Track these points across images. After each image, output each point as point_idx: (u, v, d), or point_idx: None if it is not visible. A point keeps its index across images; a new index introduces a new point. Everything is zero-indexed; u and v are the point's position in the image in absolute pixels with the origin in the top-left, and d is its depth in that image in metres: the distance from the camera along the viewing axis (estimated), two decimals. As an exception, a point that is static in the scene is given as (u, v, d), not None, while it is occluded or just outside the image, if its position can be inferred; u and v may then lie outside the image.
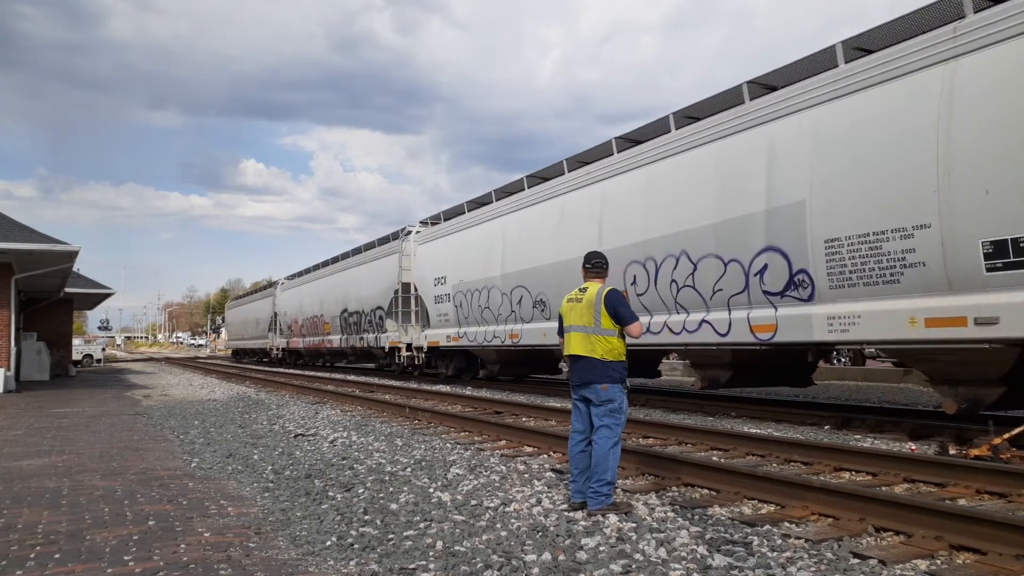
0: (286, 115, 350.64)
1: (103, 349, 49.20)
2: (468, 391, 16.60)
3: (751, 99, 10.34)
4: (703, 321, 11.01)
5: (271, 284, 40.58)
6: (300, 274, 34.78)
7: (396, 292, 22.16)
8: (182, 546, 4.54)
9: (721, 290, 10.67)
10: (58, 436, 9.87)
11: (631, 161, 12.73)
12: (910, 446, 8.08)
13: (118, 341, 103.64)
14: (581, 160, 14.46)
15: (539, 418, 11.22)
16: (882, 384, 18.52)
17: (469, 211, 18.94)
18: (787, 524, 4.90)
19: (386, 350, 23.14)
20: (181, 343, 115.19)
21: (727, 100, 10.91)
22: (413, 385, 19.06)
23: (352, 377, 23.26)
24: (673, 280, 11.50)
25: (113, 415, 12.72)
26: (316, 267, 32.34)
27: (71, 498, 5.96)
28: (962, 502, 5.52)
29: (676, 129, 11.81)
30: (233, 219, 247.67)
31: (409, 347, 21.71)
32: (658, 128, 12.34)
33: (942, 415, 10.43)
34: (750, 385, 12.38)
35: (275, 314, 37.45)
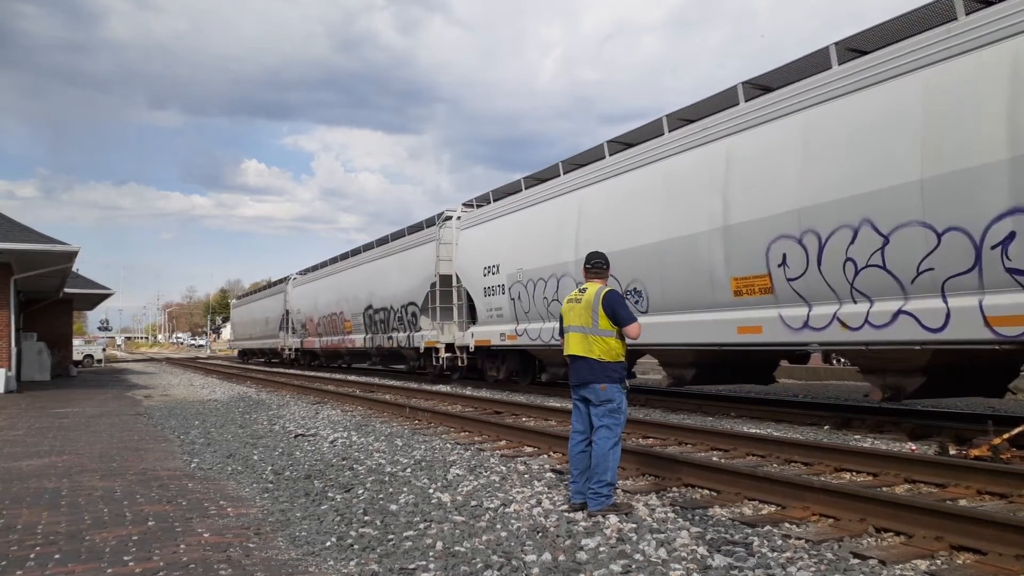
0: (287, 115, 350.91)
1: (103, 349, 49.23)
2: (468, 391, 16.61)
3: (967, 14, 8.06)
4: (900, 312, 8.42)
5: (281, 280, 37.48)
6: (315, 268, 32.15)
7: (433, 285, 19.43)
8: (182, 546, 4.54)
9: (931, 270, 8.10)
10: (58, 436, 9.87)
11: (771, 109, 10.06)
12: (910, 446, 8.08)
13: (118, 341, 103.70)
14: (684, 118, 11.92)
15: (539, 418, 11.22)
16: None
17: (527, 188, 16.24)
18: (787, 524, 4.90)
19: (421, 351, 20.81)
20: (181, 343, 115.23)
21: (921, 21, 8.62)
22: (413, 385, 19.05)
23: (353, 377, 23.25)
24: (849, 259, 8.88)
25: (113, 415, 12.72)
26: (334, 260, 29.72)
27: (71, 498, 5.96)
28: (962, 502, 5.51)
29: (840, 64, 9.26)
30: (234, 219, 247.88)
31: (450, 347, 19.07)
32: (809, 66, 9.81)
33: (942, 415, 10.44)
34: (942, 395, 10.14)
35: (287, 312, 34.83)
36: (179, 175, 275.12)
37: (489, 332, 17.23)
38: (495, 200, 17.66)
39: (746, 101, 10.60)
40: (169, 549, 4.48)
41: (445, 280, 19.17)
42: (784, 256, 9.70)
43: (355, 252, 27.43)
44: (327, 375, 25.76)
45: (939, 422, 9.25)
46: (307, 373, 28.36)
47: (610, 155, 13.48)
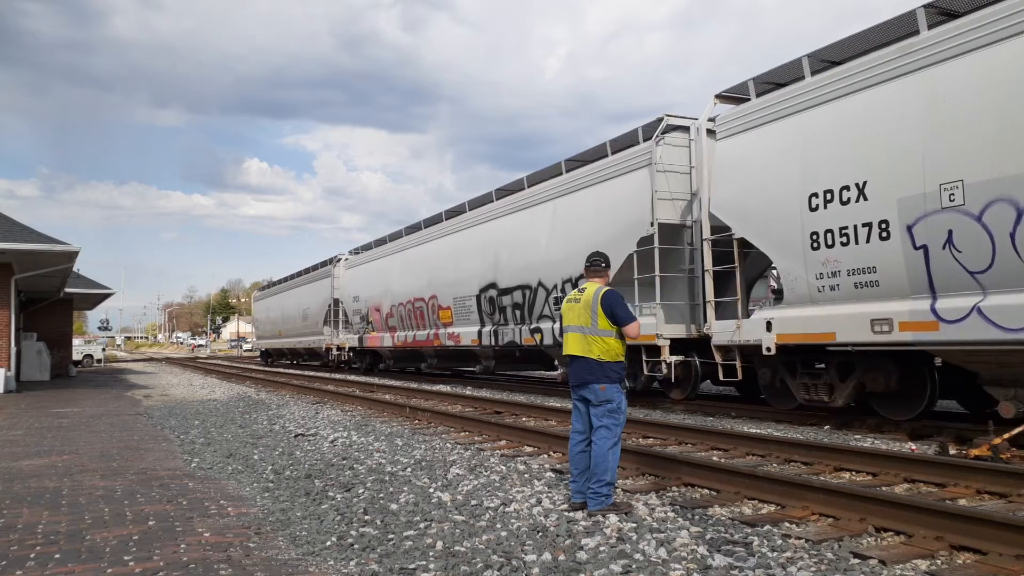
0: (290, 114, 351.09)
1: (103, 349, 49.23)
2: (468, 391, 16.61)
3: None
4: None
5: (325, 262, 29.90)
6: (380, 243, 24.80)
7: (643, 242, 11.90)
8: (182, 546, 4.54)
9: None
10: (58, 436, 9.87)
11: None
12: (910, 446, 8.08)
13: (118, 341, 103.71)
14: None
15: (539, 418, 11.22)
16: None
17: (934, 27, 8.11)
18: (787, 524, 4.90)
19: None
20: (182, 343, 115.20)
21: None
22: (413, 385, 19.05)
23: (352, 377, 23.24)
24: None
25: (113, 415, 12.72)
26: (414, 227, 22.20)
27: (71, 498, 5.96)
28: (962, 502, 5.52)
29: None
30: (235, 219, 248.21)
31: (681, 345, 11.64)
32: None
33: (942, 415, 10.45)
34: None
35: (335, 300, 27.99)
36: (181, 174, 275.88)
37: (824, 318, 9.21)
38: (814, 73, 9.50)
39: None
40: (169, 549, 4.48)
41: (669, 232, 11.74)
42: None
43: (453, 212, 19.56)
44: (326, 375, 25.70)
45: (939, 422, 9.25)
46: (305, 373, 28.22)
47: None
